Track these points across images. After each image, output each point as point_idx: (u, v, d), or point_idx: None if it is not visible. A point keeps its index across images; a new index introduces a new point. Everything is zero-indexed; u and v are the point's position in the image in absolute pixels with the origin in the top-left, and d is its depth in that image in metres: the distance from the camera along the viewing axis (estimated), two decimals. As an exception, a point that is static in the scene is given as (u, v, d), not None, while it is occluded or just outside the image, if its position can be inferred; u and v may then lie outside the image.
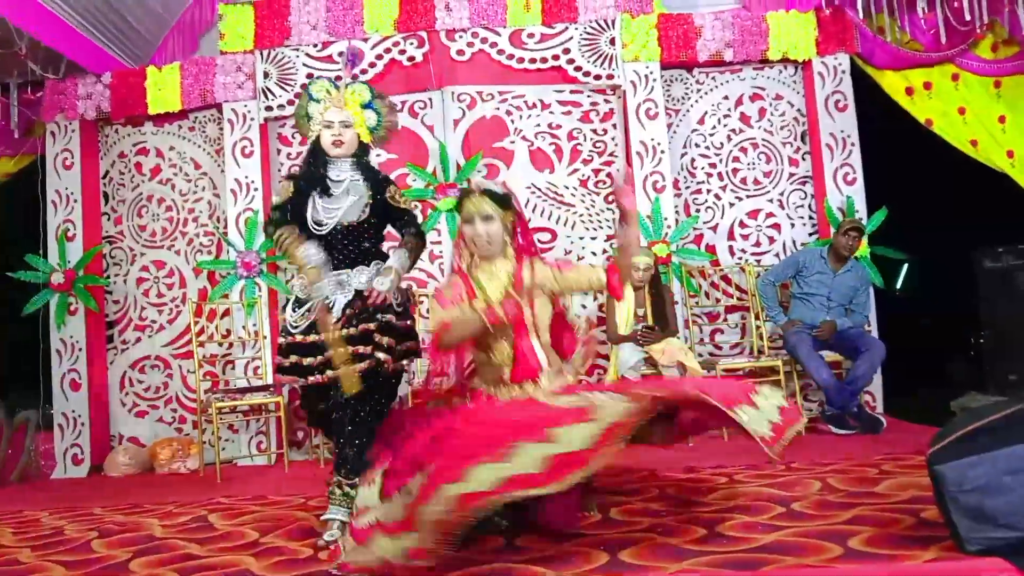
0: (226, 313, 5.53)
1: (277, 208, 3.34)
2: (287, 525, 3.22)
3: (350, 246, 3.25)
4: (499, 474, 2.22)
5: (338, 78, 3.39)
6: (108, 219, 5.95)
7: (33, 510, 4.09)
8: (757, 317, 5.34)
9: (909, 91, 5.57)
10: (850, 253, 4.97)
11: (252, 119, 5.58)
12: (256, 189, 5.53)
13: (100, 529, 3.40)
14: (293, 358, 3.15)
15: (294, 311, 3.23)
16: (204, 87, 5.62)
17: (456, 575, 2.35)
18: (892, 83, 5.61)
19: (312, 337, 3.13)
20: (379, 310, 3.10)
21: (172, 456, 5.29)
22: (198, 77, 5.64)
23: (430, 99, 5.64)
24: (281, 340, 3.28)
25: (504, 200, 2.87)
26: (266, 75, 5.59)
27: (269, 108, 5.57)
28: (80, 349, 5.63)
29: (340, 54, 3.00)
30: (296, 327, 3.19)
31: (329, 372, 3.04)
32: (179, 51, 5.90)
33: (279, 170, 5.71)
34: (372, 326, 3.06)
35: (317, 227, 3.23)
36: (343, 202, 3.23)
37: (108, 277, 5.87)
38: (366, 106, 3.35)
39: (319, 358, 3.08)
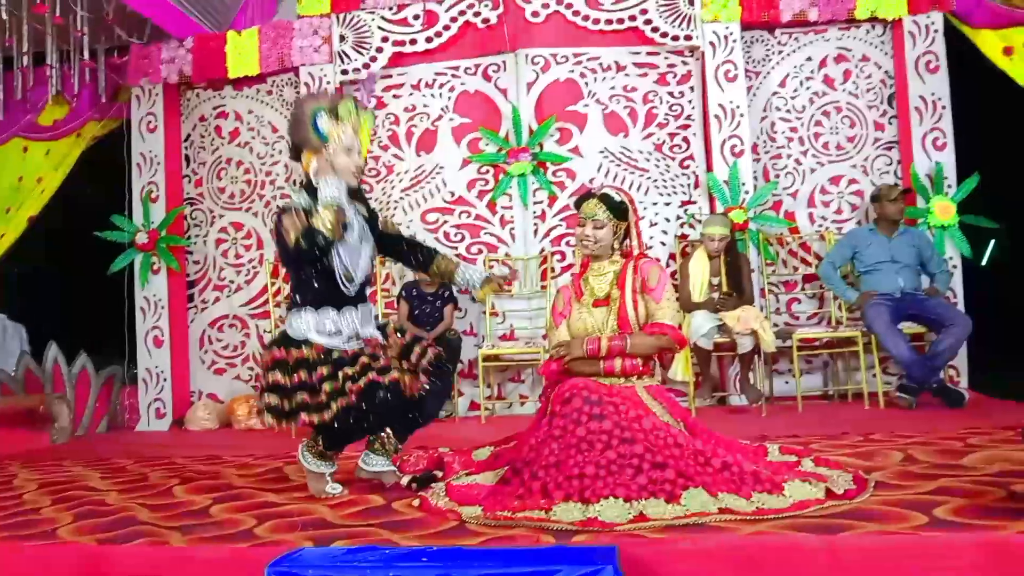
0: (301, 274, 5.63)
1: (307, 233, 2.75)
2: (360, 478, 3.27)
3: (364, 294, 3.03)
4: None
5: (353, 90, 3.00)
6: (189, 181, 6.10)
7: (119, 458, 4.27)
8: (836, 286, 5.19)
9: (1008, 51, 5.27)
10: (901, 216, 4.92)
11: (328, 82, 5.62)
12: (331, 152, 5.57)
13: (181, 477, 3.52)
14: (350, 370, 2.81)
15: (332, 336, 2.87)
16: (282, 51, 5.69)
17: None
18: (988, 42, 5.32)
19: (357, 346, 2.90)
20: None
21: (249, 412, 5.44)
22: (276, 41, 5.70)
23: (503, 62, 5.59)
24: (323, 366, 2.79)
25: (619, 209, 2.94)
26: (342, 38, 5.62)
27: (345, 72, 5.60)
28: (162, 307, 5.81)
29: (357, 81, 2.92)
30: (340, 345, 2.87)
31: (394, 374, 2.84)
32: (258, 16, 5.99)
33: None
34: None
35: (347, 283, 2.89)
36: (364, 252, 2.96)
37: (189, 238, 6.04)
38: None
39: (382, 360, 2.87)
